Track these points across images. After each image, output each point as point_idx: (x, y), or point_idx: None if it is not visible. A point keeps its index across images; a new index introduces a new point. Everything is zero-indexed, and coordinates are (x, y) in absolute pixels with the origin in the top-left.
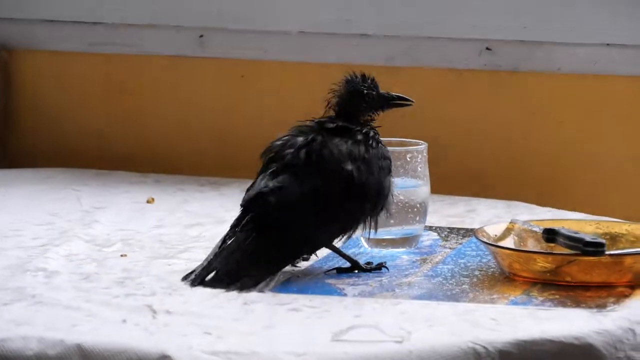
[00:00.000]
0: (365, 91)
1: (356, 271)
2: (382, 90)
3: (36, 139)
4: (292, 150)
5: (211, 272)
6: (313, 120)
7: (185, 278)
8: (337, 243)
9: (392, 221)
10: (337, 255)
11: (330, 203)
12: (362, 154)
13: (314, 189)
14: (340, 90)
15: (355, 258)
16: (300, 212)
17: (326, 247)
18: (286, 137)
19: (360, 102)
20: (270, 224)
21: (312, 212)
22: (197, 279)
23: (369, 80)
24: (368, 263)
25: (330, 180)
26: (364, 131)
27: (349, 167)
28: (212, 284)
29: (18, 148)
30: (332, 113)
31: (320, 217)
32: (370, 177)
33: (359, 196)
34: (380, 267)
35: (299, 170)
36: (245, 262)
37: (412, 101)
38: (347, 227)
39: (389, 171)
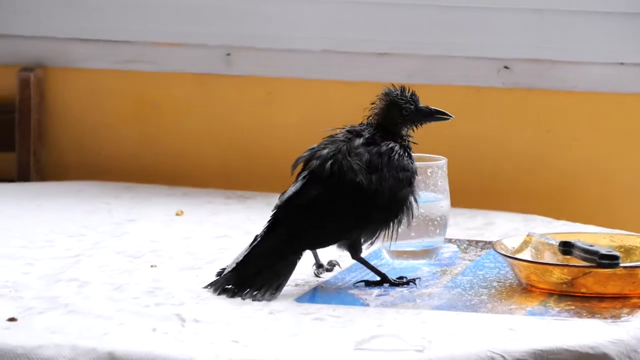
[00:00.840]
0: (403, 104)
1: (386, 285)
2: (421, 104)
3: (69, 153)
4: (317, 160)
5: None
6: (348, 129)
7: (210, 285)
8: (363, 254)
9: (413, 234)
10: (363, 267)
11: (336, 209)
12: (380, 164)
13: (321, 195)
14: (379, 102)
15: (384, 272)
16: (307, 215)
17: (357, 260)
18: (315, 148)
19: (397, 114)
20: (281, 226)
21: (319, 216)
22: (218, 285)
23: (409, 94)
24: (400, 277)
25: (339, 187)
26: (389, 145)
27: (358, 177)
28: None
29: (51, 162)
30: (371, 122)
31: (328, 223)
32: (382, 187)
33: (367, 205)
34: (409, 282)
35: (317, 178)
36: (256, 263)
37: (451, 116)
38: (354, 233)
39: (409, 183)
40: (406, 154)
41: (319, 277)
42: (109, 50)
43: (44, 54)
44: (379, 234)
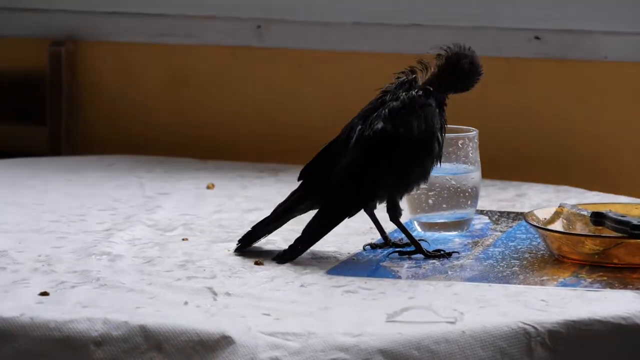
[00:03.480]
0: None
1: (420, 256)
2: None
3: (101, 127)
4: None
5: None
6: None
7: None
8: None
9: (444, 205)
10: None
11: (367, 162)
12: (402, 109)
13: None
14: (446, 58)
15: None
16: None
17: (395, 223)
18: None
19: (459, 86)
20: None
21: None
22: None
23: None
24: (437, 250)
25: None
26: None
27: (380, 125)
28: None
29: (83, 136)
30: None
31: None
32: (408, 130)
33: (396, 147)
34: (447, 255)
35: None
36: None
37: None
38: (388, 185)
39: (432, 125)
40: (430, 99)
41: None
42: (140, 23)
43: (75, 27)
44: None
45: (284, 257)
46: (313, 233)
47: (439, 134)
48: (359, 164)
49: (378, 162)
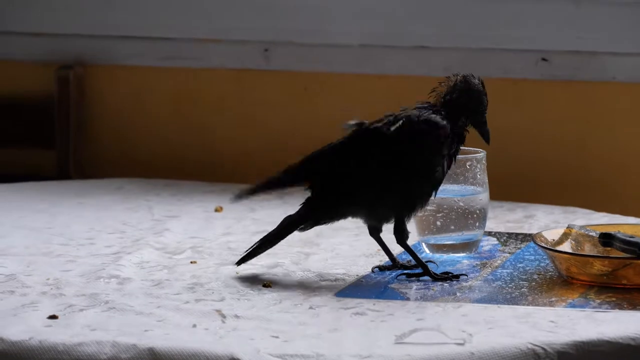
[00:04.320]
0: (484, 97)
1: (427, 278)
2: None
3: (109, 150)
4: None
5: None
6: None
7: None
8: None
9: (452, 227)
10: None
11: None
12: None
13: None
14: (458, 85)
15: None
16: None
17: (402, 246)
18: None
19: (471, 104)
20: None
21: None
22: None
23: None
24: (445, 273)
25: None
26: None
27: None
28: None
29: (91, 159)
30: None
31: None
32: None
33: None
34: (455, 277)
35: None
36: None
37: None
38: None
39: (436, 138)
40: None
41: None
42: (148, 47)
43: (82, 51)
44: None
45: (243, 258)
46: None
47: (444, 160)
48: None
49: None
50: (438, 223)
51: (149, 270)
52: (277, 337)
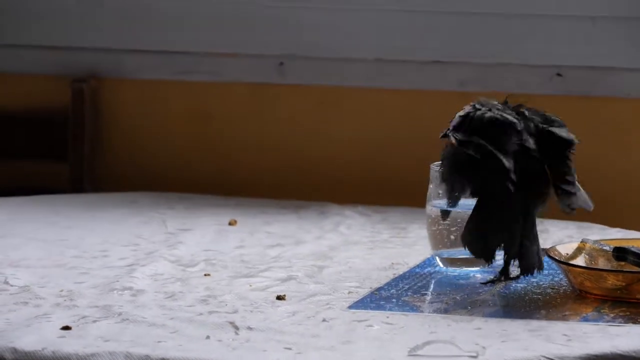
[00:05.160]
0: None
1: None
2: None
3: (123, 164)
4: None
5: None
6: None
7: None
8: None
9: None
10: (413, 276)
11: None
12: None
13: None
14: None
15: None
16: None
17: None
18: None
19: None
20: None
21: None
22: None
23: None
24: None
25: None
26: None
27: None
28: None
29: (105, 173)
30: None
31: None
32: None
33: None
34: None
35: None
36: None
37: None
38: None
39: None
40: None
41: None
42: (163, 60)
43: (97, 65)
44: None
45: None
46: None
47: None
48: None
49: None
50: (452, 237)
51: (163, 282)
52: (289, 348)
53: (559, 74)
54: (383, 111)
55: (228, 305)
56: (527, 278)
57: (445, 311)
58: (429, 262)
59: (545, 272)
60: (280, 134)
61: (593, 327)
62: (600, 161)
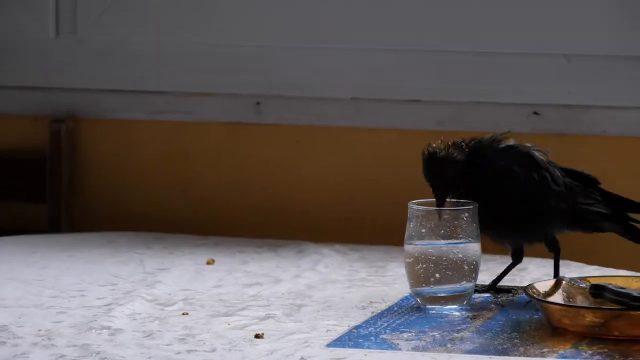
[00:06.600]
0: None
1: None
2: None
3: (100, 204)
4: None
5: None
6: None
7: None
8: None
9: (445, 279)
10: (395, 313)
11: None
12: None
13: None
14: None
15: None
16: None
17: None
18: None
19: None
20: None
21: None
22: None
23: None
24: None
25: None
26: None
27: None
28: None
29: (83, 213)
30: None
31: None
32: None
33: None
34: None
35: None
36: None
37: None
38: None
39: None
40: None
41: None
42: (140, 100)
43: (74, 105)
44: None
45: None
46: None
47: None
48: None
49: None
50: (430, 275)
51: (141, 321)
52: None
53: (535, 112)
54: (360, 150)
55: (206, 344)
56: (506, 314)
57: (424, 349)
58: (407, 300)
59: (523, 309)
60: (256, 173)
61: None
62: None
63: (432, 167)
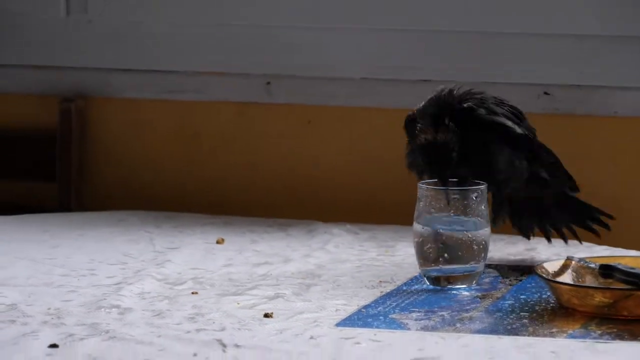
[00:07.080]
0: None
1: None
2: None
3: (110, 183)
4: None
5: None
6: None
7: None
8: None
9: (454, 259)
10: (402, 295)
11: None
12: None
13: None
14: None
15: None
16: None
17: None
18: None
19: None
20: None
21: None
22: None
23: None
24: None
25: None
26: None
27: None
28: None
29: (93, 192)
30: None
31: None
32: None
33: None
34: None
35: None
36: None
37: None
38: None
39: None
40: None
41: None
42: (150, 80)
43: (84, 84)
44: None
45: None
46: None
47: None
48: None
49: None
50: (439, 255)
51: (150, 300)
52: None
53: (546, 93)
54: (370, 130)
55: (215, 323)
56: (515, 293)
57: (433, 328)
58: (416, 280)
59: (533, 289)
60: (267, 152)
61: (580, 344)
62: (587, 179)
63: (433, 157)
